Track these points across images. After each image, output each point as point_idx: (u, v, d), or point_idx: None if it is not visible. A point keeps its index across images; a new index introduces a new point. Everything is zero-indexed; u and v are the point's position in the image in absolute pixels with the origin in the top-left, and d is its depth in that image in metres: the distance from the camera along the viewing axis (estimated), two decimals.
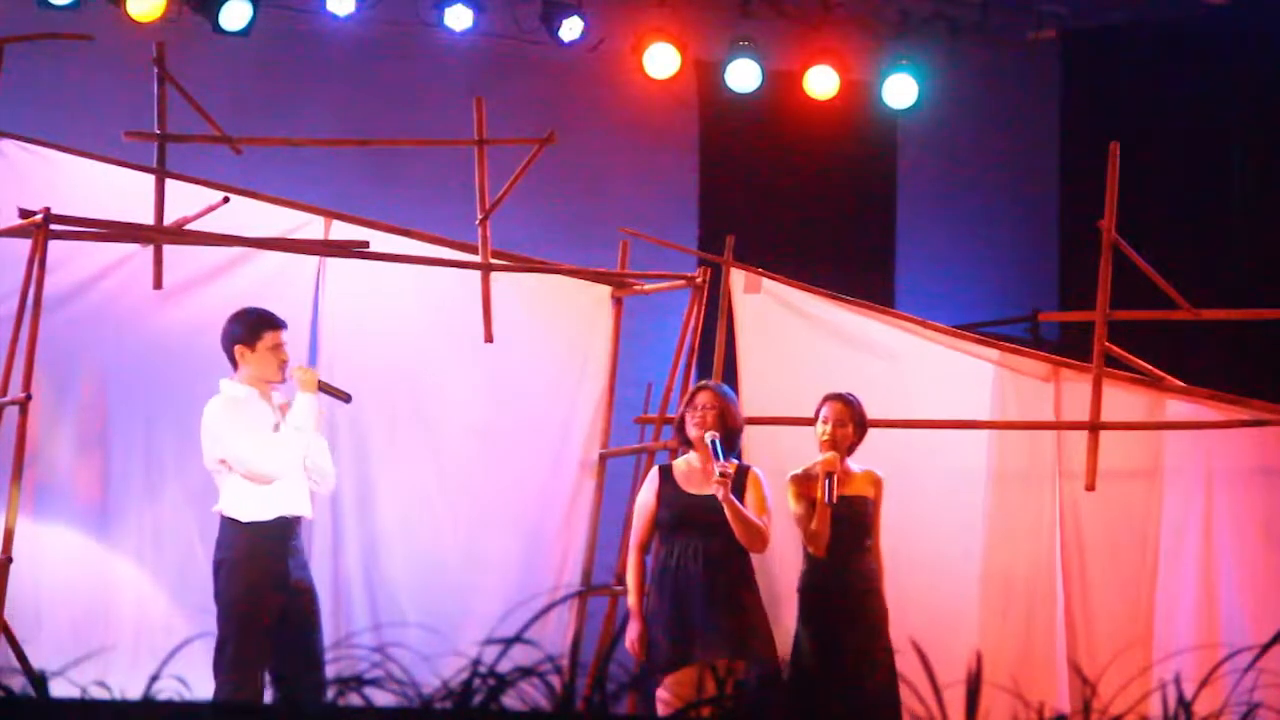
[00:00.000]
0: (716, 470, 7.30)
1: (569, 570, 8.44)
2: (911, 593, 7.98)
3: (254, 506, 7.19)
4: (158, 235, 7.66)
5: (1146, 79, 11.07)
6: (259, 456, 7.18)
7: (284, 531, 7.22)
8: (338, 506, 7.86)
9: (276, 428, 7.28)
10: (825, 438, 7.66)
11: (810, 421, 7.83)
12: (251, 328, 7.32)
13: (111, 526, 7.80)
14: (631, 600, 7.46)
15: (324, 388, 7.41)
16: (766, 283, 8.63)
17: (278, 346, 7.30)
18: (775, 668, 7.19)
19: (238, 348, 7.31)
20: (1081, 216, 9.28)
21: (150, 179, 7.74)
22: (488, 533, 8.33)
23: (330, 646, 7.24)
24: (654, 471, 7.61)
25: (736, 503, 7.33)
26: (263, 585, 7.13)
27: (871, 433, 7.93)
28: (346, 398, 7.50)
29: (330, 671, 6.92)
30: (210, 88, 8.30)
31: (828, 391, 7.78)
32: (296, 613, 7.18)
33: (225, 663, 7.04)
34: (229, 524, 7.21)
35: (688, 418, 7.48)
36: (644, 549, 7.51)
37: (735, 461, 7.51)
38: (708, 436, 7.37)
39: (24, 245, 7.35)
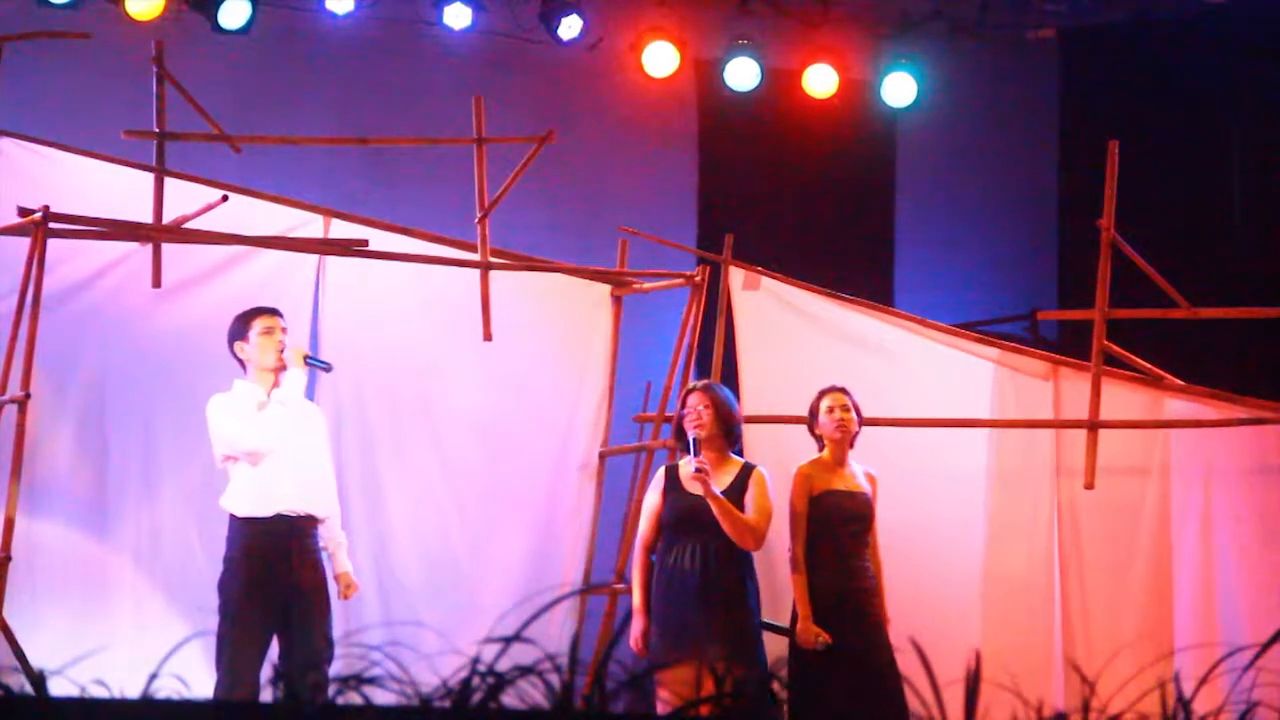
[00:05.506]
0: (693, 465, 7.36)
1: (575, 568, 8.46)
2: (911, 591, 7.99)
3: (250, 502, 7.24)
4: (157, 234, 7.66)
5: (1146, 78, 11.06)
6: (241, 433, 7.25)
7: (287, 530, 7.24)
8: (346, 504, 7.85)
9: (262, 407, 7.34)
10: (837, 424, 7.69)
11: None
12: (242, 320, 7.43)
13: (110, 524, 7.81)
14: (636, 599, 7.48)
15: (310, 361, 7.46)
16: (766, 281, 8.64)
17: (269, 331, 7.37)
18: (770, 668, 7.20)
19: (236, 344, 7.40)
20: (1081, 215, 9.28)
21: (149, 177, 7.74)
22: (494, 530, 8.35)
23: (337, 642, 7.25)
24: (660, 473, 7.65)
25: (721, 498, 7.37)
26: (259, 584, 7.15)
27: (871, 431, 7.95)
28: (328, 368, 7.59)
29: (336, 669, 6.92)
30: (209, 86, 8.30)
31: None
32: (299, 613, 7.19)
33: (223, 659, 7.09)
34: (231, 520, 7.28)
35: (685, 421, 7.52)
36: (649, 549, 7.54)
37: (739, 459, 7.55)
38: (690, 434, 7.43)
39: (23, 244, 7.36)
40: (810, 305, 8.65)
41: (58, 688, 3.26)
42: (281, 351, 7.37)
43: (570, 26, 10.34)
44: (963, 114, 11.15)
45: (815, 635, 7.40)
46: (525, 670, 3.17)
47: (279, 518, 7.24)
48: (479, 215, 8.17)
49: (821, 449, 7.78)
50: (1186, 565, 8.28)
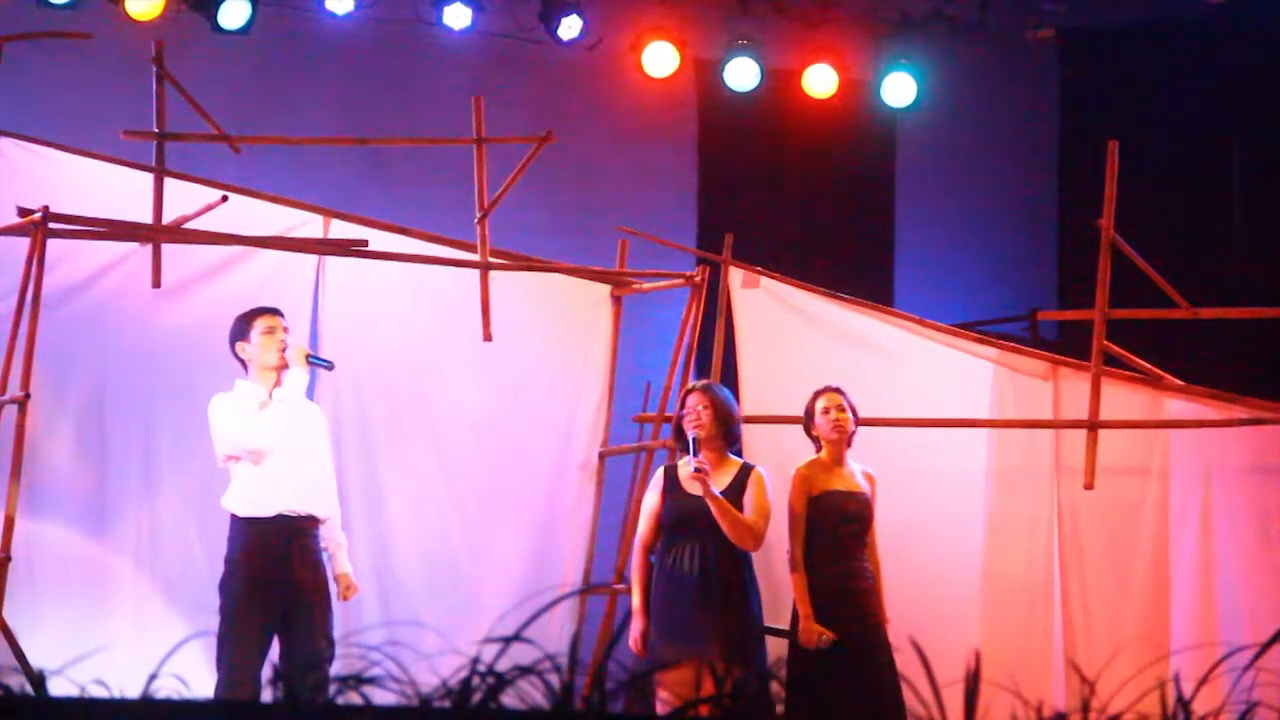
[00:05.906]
0: (692, 465, 7.36)
1: (575, 568, 8.46)
2: (911, 591, 7.98)
3: (252, 502, 7.24)
4: (156, 234, 7.66)
5: (1146, 78, 11.06)
6: (244, 432, 7.25)
7: (288, 531, 7.24)
8: (346, 504, 7.85)
9: (264, 406, 7.34)
10: (833, 424, 7.69)
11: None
12: (244, 320, 7.44)
13: (110, 524, 7.80)
14: (636, 599, 7.48)
15: (312, 360, 7.47)
16: (765, 281, 8.65)
17: (271, 330, 7.37)
18: (768, 668, 7.19)
19: (238, 345, 7.41)
20: (1080, 215, 9.28)
21: (149, 178, 7.74)
22: (494, 530, 8.35)
23: (337, 642, 7.25)
24: (659, 473, 7.65)
25: (720, 498, 7.37)
26: (260, 584, 7.15)
27: (870, 431, 7.95)
28: (330, 366, 7.58)
29: (336, 669, 6.92)
30: (209, 86, 8.30)
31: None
32: (300, 613, 7.19)
33: (223, 659, 7.09)
34: (232, 520, 7.28)
35: (684, 422, 7.52)
36: (648, 549, 7.55)
37: (738, 460, 7.56)
38: (689, 434, 7.43)
39: (23, 244, 7.36)
40: (810, 305, 8.65)
41: (58, 688, 3.26)
42: (284, 351, 7.38)
43: (570, 26, 10.34)
44: (963, 114, 11.15)
45: (818, 634, 7.39)
46: (525, 670, 3.17)
47: (280, 518, 7.24)
48: (479, 215, 8.17)
49: (819, 450, 7.77)
50: (1186, 565, 8.28)
